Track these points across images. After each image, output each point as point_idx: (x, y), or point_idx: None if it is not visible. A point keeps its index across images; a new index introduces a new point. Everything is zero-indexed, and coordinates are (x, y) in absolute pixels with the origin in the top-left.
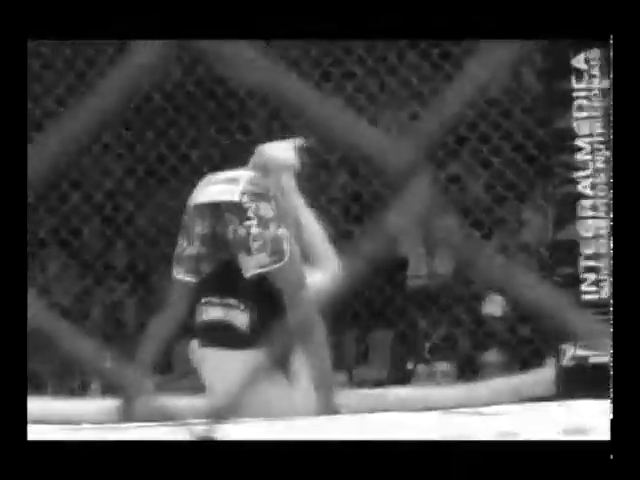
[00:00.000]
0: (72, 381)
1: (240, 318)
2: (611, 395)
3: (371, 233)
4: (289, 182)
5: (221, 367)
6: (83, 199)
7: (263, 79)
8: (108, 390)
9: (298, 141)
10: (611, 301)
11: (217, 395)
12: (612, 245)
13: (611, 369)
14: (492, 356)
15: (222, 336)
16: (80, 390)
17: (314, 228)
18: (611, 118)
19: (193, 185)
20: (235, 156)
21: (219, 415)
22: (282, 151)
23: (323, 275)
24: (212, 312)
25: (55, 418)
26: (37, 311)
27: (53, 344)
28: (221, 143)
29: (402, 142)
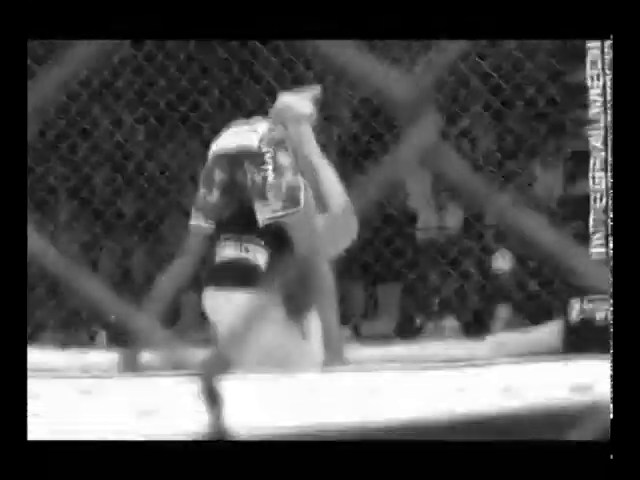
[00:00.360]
0: (80, 332)
1: (259, 256)
2: (611, 394)
3: (376, 172)
4: (306, 131)
5: (233, 309)
6: (93, 148)
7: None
8: (115, 340)
9: (315, 91)
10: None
11: (225, 337)
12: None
13: (611, 368)
14: (500, 311)
15: (238, 275)
16: (89, 340)
17: (330, 177)
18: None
19: (203, 133)
20: (246, 105)
21: (225, 359)
22: (299, 101)
23: (337, 223)
24: (230, 250)
25: (61, 368)
26: (50, 256)
27: (64, 289)
28: (232, 92)
29: (409, 77)
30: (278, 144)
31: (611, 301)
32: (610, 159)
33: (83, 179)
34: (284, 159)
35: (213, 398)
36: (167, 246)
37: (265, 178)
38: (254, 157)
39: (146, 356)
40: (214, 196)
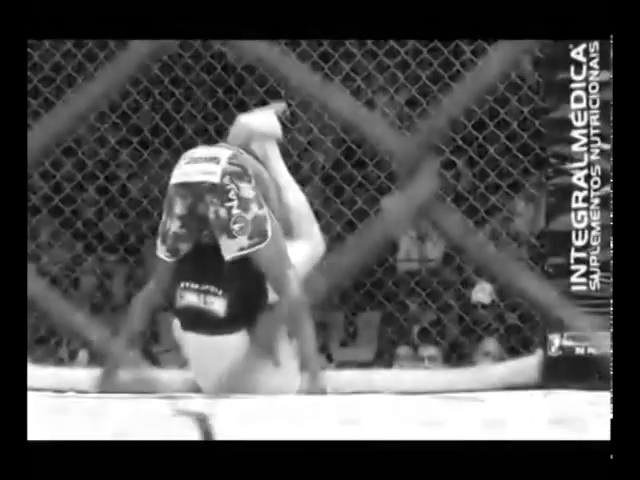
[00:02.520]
0: (60, 350)
1: (217, 304)
2: (611, 395)
3: (369, 225)
4: (272, 150)
5: (200, 351)
6: (77, 167)
7: (265, 56)
8: (95, 359)
9: (279, 107)
10: (611, 292)
11: (198, 378)
12: (612, 238)
13: (612, 369)
14: (479, 343)
15: (199, 321)
16: (68, 359)
17: (297, 197)
18: (610, 110)
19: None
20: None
21: (205, 394)
22: (263, 120)
23: (305, 246)
24: (189, 297)
25: (42, 385)
26: (28, 277)
27: (42, 311)
28: (217, 117)
29: (409, 136)
30: (241, 177)
31: (611, 308)
32: (592, 195)
33: (65, 198)
34: (248, 192)
35: (205, 434)
36: (147, 268)
37: (230, 214)
38: (217, 192)
39: (124, 375)
40: (174, 226)
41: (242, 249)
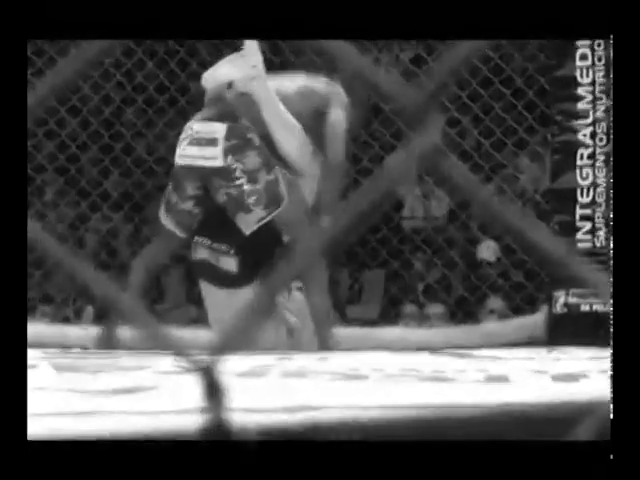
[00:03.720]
0: (66, 308)
1: (229, 262)
2: (611, 394)
3: (374, 177)
4: (261, 90)
5: (214, 302)
6: (81, 125)
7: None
8: (101, 316)
9: (249, 48)
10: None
11: (213, 329)
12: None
13: (612, 368)
14: (484, 300)
15: (212, 275)
16: (74, 317)
17: (293, 131)
18: (612, 73)
19: (190, 117)
20: None
21: (217, 349)
22: (234, 67)
23: (306, 181)
24: (201, 253)
25: (48, 343)
26: (36, 233)
27: (50, 267)
28: None
29: (414, 86)
30: (242, 149)
31: (611, 301)
32: (598, 152)
33: (70, 156)
34: (253, 162)
35: (212, 386)
36: (152, 227)
37: (242, 191)
38: (223, 174)
39: (125, 333)
40: (187, 206)
41: (261, 220)
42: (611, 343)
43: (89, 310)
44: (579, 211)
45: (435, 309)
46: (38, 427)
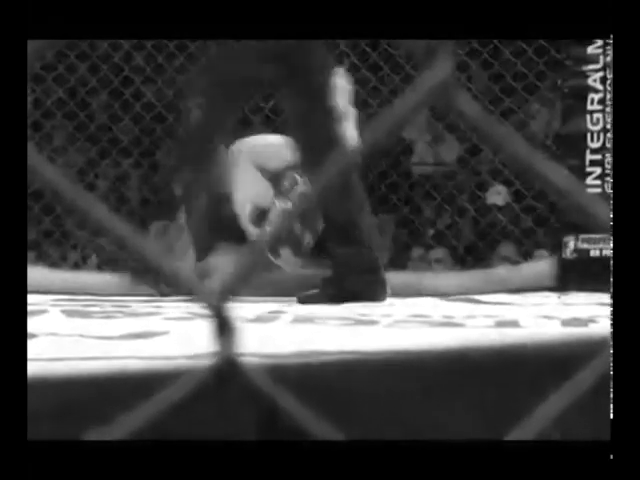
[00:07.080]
0: (74, 253)
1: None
2: (611, 394)
3: (387, 115)
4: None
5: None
6: (91, 71)
7: None
8: (107, 264)
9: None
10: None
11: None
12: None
13: (612, 369)
14: (495, 246)
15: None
16: (82, 263)
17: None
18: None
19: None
20: None
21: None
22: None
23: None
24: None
25: (55, 288)
26: (49, 173)
27: (63, 207)
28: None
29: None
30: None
31: (611, 296)
32: (608, 97)
33: (79, 102)
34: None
35: (222, 324)
36: (161, 173)
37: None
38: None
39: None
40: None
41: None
42: (611, 290)
43: (93, 257)
44: (589, 156)
45: (437, 254)
46: (49, 369)
